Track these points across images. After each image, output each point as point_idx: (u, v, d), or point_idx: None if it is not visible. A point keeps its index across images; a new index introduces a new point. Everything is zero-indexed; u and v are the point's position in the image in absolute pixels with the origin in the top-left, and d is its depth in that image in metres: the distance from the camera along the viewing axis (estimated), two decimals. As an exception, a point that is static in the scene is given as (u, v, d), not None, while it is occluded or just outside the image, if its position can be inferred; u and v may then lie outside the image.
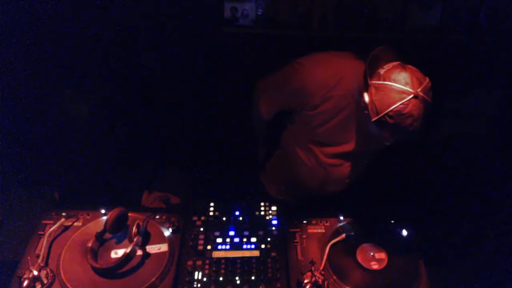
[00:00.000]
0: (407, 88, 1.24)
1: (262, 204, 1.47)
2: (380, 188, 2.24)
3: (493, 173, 2.11)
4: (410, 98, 1.23)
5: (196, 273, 1.25)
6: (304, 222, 1.45)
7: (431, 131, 2.25)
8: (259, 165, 2.05)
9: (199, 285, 1.22)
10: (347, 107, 1.51)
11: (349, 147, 1.61)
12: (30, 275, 1.18)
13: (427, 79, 1.30)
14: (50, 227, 1.33)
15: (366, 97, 1.32)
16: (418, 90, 1.24)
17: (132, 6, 2.14)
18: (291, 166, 1.81)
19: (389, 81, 1.26)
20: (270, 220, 1.42)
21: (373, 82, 1.30)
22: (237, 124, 2.50)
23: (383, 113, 1.25)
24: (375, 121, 1.28)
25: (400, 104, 1.23)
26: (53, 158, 1.90)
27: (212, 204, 1.46)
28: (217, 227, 1.39)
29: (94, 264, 1.21)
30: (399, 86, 1.24)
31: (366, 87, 1.34)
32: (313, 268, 1.23)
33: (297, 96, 1.55)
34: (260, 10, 2.49)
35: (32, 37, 1.67)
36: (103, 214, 1.41)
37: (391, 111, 1.24)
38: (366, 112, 1.32)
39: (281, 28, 2.47)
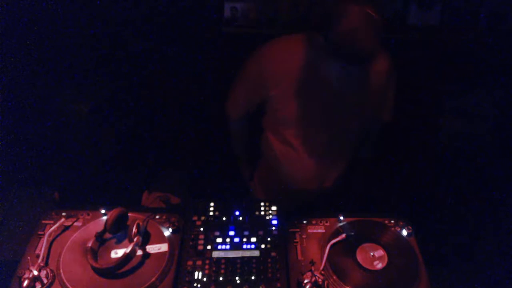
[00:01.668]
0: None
1: (262, 204, 1.47)
2: (380, 188, 2.24)
3: (493, 173, 2.11)
4: (356, 10, 1.31)
5: (196, 273, 1.25)
6: (304, 222, 1.45)
7: (431, 131, 2.26)
8: (247, 182, 2.03)
9: (199, 285, 1.22)
10: (307, 80, 1.54)
11: (320, 123, 1.62)
12: (30, 275, 1.18)
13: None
14: (50, 227, 1.33)
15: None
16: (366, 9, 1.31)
17: (132, 6, 2.14)
18: (277, 170, 1.81)
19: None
20: (270, 220, 1.42)
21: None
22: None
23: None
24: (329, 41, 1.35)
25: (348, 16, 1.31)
26: (53, 158, 1.90)
27: (212, 204, 1.46)
28: (217, 227, 1.39)
29: (94, 264, 1.21)
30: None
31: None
32: (313, 268, 1.23)
33: (257, 80, 1.60)
34: (260, 10, 2.50)
35: (32, 37, 1.67)
36: (103, 214, 1.41)
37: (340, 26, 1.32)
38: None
39: (281, 28, 2.48)
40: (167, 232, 1.37)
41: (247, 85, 1.68)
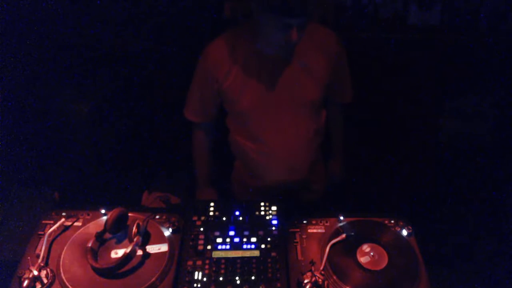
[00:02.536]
0: None
1: (262, 204, 1.47)
2: (380, 188, 2.24)
3: (493, 173, 2.11)
4: None
5: (196, 273, 1.25)
6: (304, 222, 1.45)
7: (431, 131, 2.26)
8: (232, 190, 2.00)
9: (199, 285, 1.22)
10: (253, 63, 1.56)
11: (277, 106, 1.62)
12: (30, 275, 1.18)
13: None
14: (50, 227, 1.33)
15: None
16: None
17: (132, 6, 2.14)
18: (253, 168, 1.80)
19: None
20: (270, 220, 1.42)
21: None
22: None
23: None
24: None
25: None
26: (53, 158, 1.90)
27: (212, 204, 1.46)
28: (217, 227, 1.39)
29: (94, 264, 1.21)
30: None
31: None
32: (313, 268, 1.23)
33: (207, 77, 1.62)
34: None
35: (32, 37, 1.67)
36: (103, 214, 1.41)
37: None
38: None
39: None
40: (167, 232, 1.37)
41: (199, 83, 1.69)
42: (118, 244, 1.31)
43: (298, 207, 1.72)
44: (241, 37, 1.58)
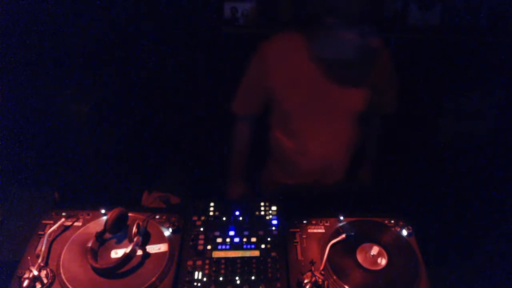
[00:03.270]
0: None
1: (262, 204, 1.47)
2: (380, 188, 2.24)
3: (493, 173, 2.11)
4: None
5: (196, 273, 1.25)
6: (304, 222, 1.45)
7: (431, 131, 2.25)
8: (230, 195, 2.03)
9: (199, 285, 1.22)
10: (307, 68, 1.59)
11: (323, 111, 1.66)
12: (30, 275, 1.18)
13: None
14: (50, 227, 1.33)
15: None
16: None
17: (132, 6, 2.14)
18: (286, 167, 1.83)
19: None
20: (270, 220, 1.42)
21: None
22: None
23: None
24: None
25: None
26: (53, 158, 1.90)
27: (212, 204, 1.46)
28: (217, 227, 1.39)
29: (94, 264, 1.21)
30: None
31: None
32: (313, 268, 1.24)
33: (260, 74, 1.66)
34: (260, 10, 2.49)
35: (32, 37, 1.67)
36: (103, 214, 1.41)
37: None
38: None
39: (281, 28, 2.47)
40: (167, 232, 1.37)
41: (252, 78, 1.73)
42: (118, 244, 1.31)
43: (298, 207, 1.72)
44: (297, 38, 1.61)
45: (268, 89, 1.68)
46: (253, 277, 1.25)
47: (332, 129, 1.71)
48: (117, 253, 1.28)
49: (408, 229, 1.42)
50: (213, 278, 1.24)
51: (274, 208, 1.46)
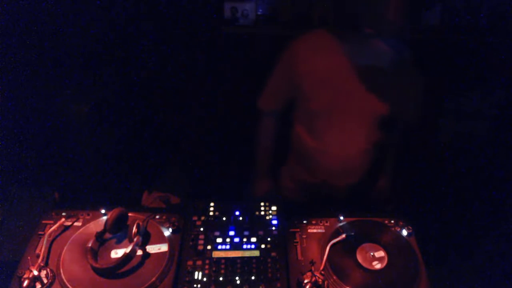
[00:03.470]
0: None
1: (262, 204, 1.47)
2: (380, 188, 2.24)
3: (493, 173, 2.11)
4: None
5: (196, 273, 1.25)
6: (304, 222, 1.45)
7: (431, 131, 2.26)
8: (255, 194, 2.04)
9: (199, 285, 1.22)
10: (338, 71, 1.59)
11: (350, 114, 1.66)
12: (30, 275, 1.18)
13: None
14: (50, 227, 1.33)
15: None
16: None
17: (132, 6, 2.14)
18: (307, 165, 1.84)
19: None
20: (270, 220, 1.42)
21: None
22: (237, 124, 2.50)
23: None
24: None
25: None
26: (53, 158, 1.90)
27: (212, 204, 1.46)
28: (217, 227, 1.39)
29: (94, 264, 1.21)
30: None
31: None
32: (313, 268, 1.23)
33: (290, 71, 1.65)
34: (260, 10, 2.50)
35: (32, 37, 1.67)
36: (103, 214, 1.41)
37: None
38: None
39: (281, 28, 2.48)
40: (167, 232, 1.37)
41: (280, 74, 1.73)
42: (118, 244, 1.31)
43: (298, 207, 1.72)
44: (329, 38, 1.60)
45: (296, 87, 1.68)
46: (253, 277, 1.25)
47: (354, 131, 1.71)
48: (117, 253, 1.28)
49: (408, 229, 1.42)
50: (213, 278, 1.24)
51: (274, 208, 1.46)
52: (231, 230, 1.38)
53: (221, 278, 1.24)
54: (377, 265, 1.30)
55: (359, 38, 1.52)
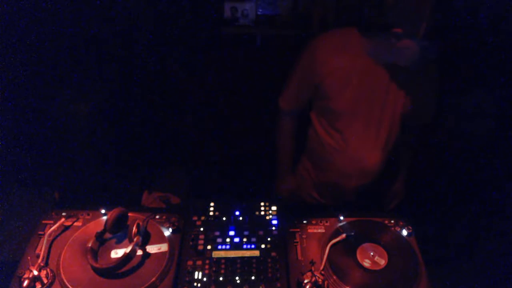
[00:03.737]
0: None
1: (262, 204, 1.47)
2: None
3: (493, 173, 2.11)
4: None
5: (196, 273, 1.25)
6: (304, 222, 1.45)
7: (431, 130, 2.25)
8: (279, 193, 2.04)
9: (199, 285, 1.22)
10: (359, 71, 1.57)
11: (369, 114, 1.65)
12: (30, 275, 1.18)
13: None
14: (50, 227, 1.33)
15: None
16: None
17: (132, 6, 2.14)
18: (323, 164, 1.84)
19: None
20: (270, 220, 1.42)
21: None
22: (237, 124, 2.50)
23: None
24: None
25: None
26: (53, 158, 1.89)
27: (212, 204, 1.46)
28: (217, 227, 1.39)
29: (94, 264, 1.21)
30: None
31: None
32: (313, 268, 1.24)
33: (310, 69, 1.64)
34: (260, 10, 2.50)
35: (32, 37, 1.67)
36: (103, 214, 1.41)
37: None
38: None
39: (281, 28, 2.48)
40: (167, 232, 1.37)
41: (301, 74, 1.71)
42: (118, 244, 1.31)
43: (298, 207, 1.72)
44: (351, 38, 1.58)
45: (316, 87, 1.67)
46: (253, 277, 1.25)
47: (374, 131, 1.70)
48: (117, 253, 1.28)
49: (408, 229, 1.42)
50: (213, 278, 1.24)
51: (274, 208, 1.46)
52: (231, 230, 1.38)
53: (221, 278, 1.24)
54: (377, 265, 1.30)
55: (385, 38, 1.47)
